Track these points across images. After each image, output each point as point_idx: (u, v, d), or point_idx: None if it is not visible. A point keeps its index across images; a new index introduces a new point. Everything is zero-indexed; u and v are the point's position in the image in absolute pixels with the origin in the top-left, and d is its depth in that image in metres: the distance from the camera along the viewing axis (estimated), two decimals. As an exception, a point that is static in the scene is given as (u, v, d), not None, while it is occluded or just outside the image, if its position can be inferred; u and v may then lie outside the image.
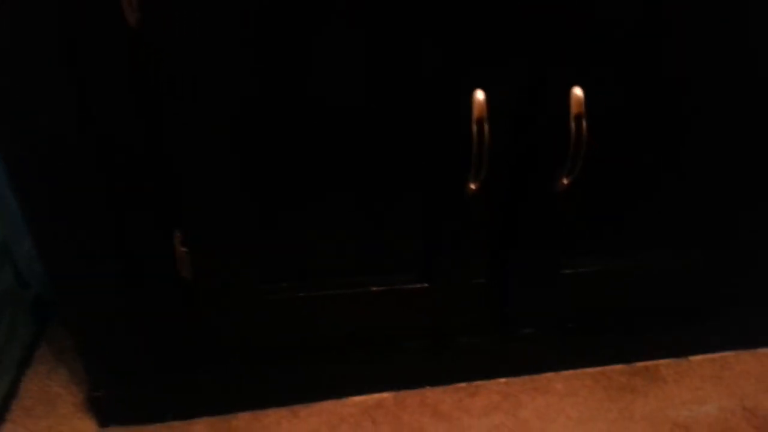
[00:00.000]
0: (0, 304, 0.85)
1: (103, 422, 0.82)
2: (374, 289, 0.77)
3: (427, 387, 0.91)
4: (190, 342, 0.77)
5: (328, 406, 0.86)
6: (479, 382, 0.93)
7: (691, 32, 0.64)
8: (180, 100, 0.60)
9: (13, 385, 0.88)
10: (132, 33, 0.55)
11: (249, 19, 0.57)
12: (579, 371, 0.94)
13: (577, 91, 0.62)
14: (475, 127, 0.61)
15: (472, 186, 0.66)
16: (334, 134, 0.65)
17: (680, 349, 0.94)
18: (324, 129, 0.65)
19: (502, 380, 0.93)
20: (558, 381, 0.93)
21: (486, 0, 0.58)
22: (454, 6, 0.58)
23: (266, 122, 0.63)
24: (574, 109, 0.62)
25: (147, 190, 0.66)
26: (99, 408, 0.81)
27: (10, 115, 0.59)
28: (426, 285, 0.77)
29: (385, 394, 0.90)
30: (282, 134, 0.64)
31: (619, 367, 0.95)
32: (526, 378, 0.94)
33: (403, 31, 0.59)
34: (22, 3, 0.53)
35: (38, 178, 0.63)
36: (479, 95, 0.61)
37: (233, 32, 0.58)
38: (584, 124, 0.62)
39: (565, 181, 0.66)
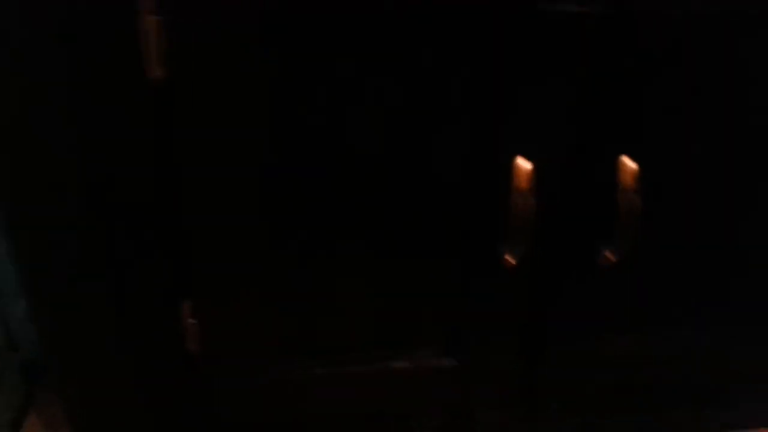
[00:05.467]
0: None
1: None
2: (396, 365, 0.71)
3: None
4: (195, 420, 0.71)
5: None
6: (503, 464, 0.86)
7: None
8: (196, 161, 0.56)
9: (1, 454, 0.81)
10: (154, 88, 0.50)
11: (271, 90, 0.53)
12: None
13: (629, 162, 0.57)
14: (517, 199, 0.56)
15: (510, 260, 0.60)
16: (354, 199, 0.60)
17: (718, 434, 0.88)
18: (343, 196, 0.60)
19: (528, 462, 0.86)
20: (587, 464, 0.86)
21: (529, 58, 0.54)
22: (492, 65, 0.54)
23: (285, 190, 0.59)
24: (625, 181, 0.57)
25: (156, 256, 0.61)
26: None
27: (11, 174, 0.54)
28: (453, 362, 0.72)
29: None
30: (301, 201, 0.60)
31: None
32: (552, 460, 0.87)
33: (438, 88, 0.55)
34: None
35: (38, 243, 0.58)
36: (523, 164, 0.56)
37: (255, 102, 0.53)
38: (637, 198, 0.57)
39: (611, 258, 0.61)
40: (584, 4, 0.52)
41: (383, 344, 0.70)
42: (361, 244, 0.64)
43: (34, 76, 0.50)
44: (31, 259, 0.59)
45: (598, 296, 0.68)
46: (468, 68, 0.54)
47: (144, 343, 0.66)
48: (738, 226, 0.67)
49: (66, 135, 0.51)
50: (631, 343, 0.73)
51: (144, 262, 0.60)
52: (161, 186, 0.56)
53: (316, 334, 0.68)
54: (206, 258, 0.62)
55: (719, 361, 0.78)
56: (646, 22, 0.55)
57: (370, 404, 0.73)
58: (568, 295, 0.68)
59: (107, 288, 0.61)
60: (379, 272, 0.65)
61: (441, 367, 0.72)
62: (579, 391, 0.78)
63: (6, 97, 0.50)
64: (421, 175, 0.60)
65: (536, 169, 0.56)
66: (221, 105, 0.53)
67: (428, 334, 0.71)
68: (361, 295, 0.67)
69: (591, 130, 0.58)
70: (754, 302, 0.74)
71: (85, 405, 0.70)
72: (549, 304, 0.68)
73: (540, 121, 0.57)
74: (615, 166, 0.58)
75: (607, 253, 0.61)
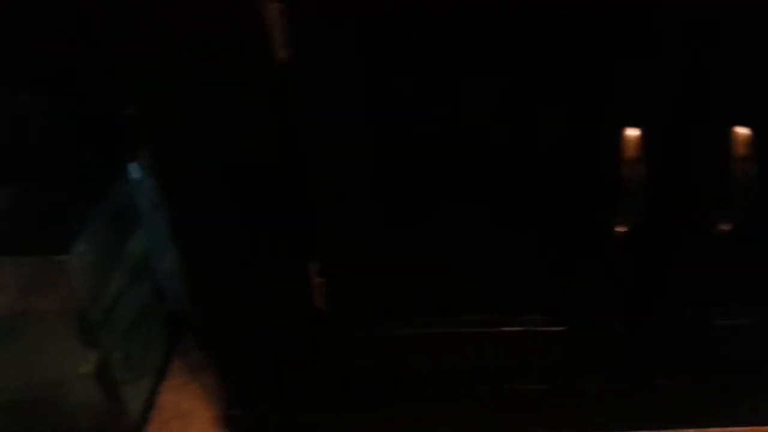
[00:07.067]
0: (140, 315, 0.89)
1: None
2: (505, 329, 0.74)
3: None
4: (318, 371, 0.78)
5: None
6: (605, 434, 0.87)
7: None
8: (319, 133, 0.62)
9: (151, 396, 0.91)
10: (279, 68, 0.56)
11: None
12: (714, 431, 0.87)
13: (741, 130, 0.57)
14: (626, 168, 0.58)
15: (620, 230, 0.62)
16: (472, 167, 0.64)
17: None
18: (461, 162, 0.64)
19: (631, 433, 0.87)
20: (692, 439, 0.86)
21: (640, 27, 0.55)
22: (603, 35, 0.56)
23: (406, 155, 0.64)
24: (739, 150, 0.57)
25: (286, 221, 0.67)
26: (232, 427, 0.83)
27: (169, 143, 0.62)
28: (562, 329, 0.74)
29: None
30: (421, 170, 0.64)
31: (760, 428, 0.86)
32: (654, 433, 0.87)
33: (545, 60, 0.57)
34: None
35: (186, 205, 0.66)
36: (631, 132, 0.58)
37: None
38: (750, 168, 0.57)
39: (725, 228, 0.61)
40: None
41: (495, 309, 0.74)
42: (475, 213, 0.67)
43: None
44: (181, 225, 0.68)
45: (711, 266, 0.68)
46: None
47: (276, 300, 0.73)
48: None
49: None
50: (747, 315, 0.72)
51: (276, 229, 0.67)
52: (287, 160, 0.62)
53: (431, 295, 0.73)
54: (330, 223, 0.68)
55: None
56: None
57: (477, 364, 0.77)
58: (680, 265, 0.68)
59: (246, 251, 0.69)
60: (494, 240, 0.69)
61: (548, 333, 0.74)
62: (688, 362, 0.78)
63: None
64: (529, 150, 0.63)
65: (644, 137, 0.58)
66: (340, 85, 0.58)
67: (538, 302, 0.73)
68: (476, 262, 0.71)
69: (701, 97, 0.58)
70: None
71: (222, 353, 0.79)
72: (659, 273, 0.69)
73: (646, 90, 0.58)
74: (727, 134, 0.58)
75: (721, 223, 0.62)
